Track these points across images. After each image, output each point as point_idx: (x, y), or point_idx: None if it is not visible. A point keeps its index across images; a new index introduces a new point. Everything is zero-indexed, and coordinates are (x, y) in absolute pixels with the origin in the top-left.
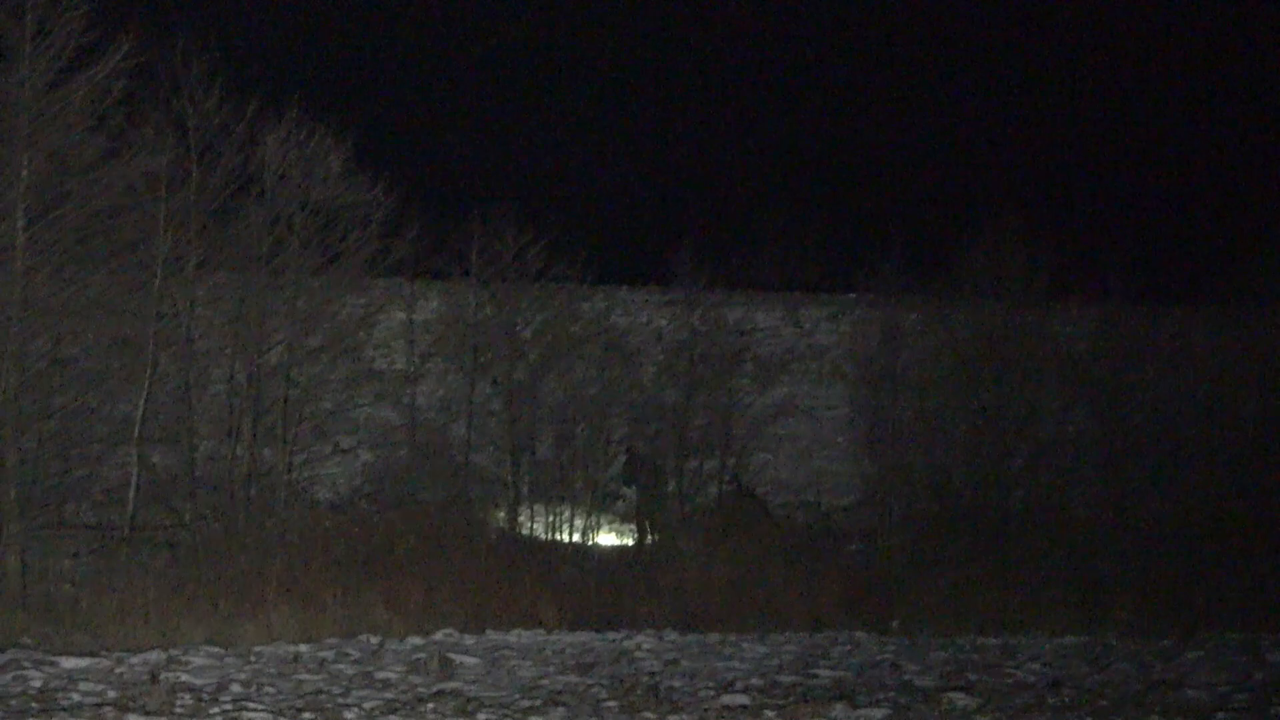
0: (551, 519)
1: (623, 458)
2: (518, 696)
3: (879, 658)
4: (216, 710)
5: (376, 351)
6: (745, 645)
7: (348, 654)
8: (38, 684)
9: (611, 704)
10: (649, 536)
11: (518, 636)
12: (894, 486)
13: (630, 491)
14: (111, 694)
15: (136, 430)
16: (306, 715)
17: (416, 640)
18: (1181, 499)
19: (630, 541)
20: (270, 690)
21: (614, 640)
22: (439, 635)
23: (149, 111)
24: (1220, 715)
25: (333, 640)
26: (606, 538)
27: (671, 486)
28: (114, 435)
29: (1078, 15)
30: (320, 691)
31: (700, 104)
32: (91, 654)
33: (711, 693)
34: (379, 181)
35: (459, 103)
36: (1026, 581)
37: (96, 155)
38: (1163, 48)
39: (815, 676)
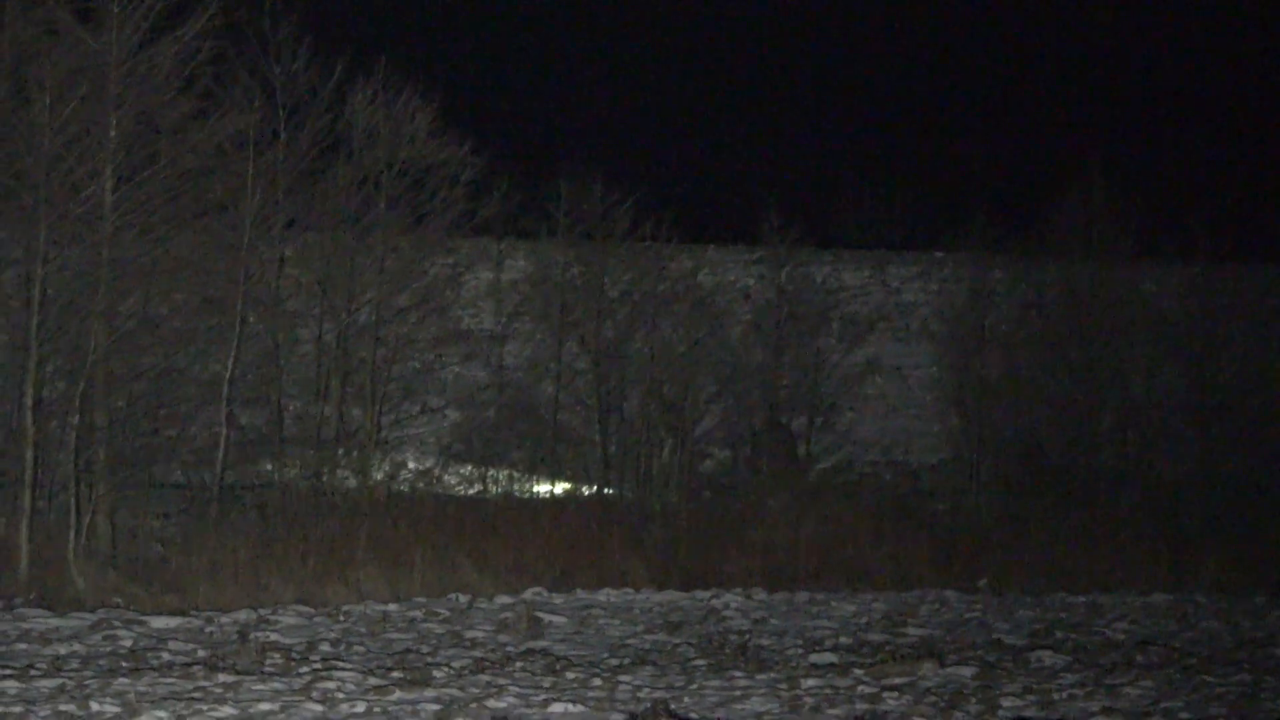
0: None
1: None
2: (606, 655)
3: (967, 616)
4: (306, 669)
5: (464, 311)
6: (834, 604)
7: (436, 613)
8: (128, 644)
9: (700, 663)
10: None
11: (606, 595)
12: (982, 445)
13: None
14: (201, 653)
15: (225, 390)
16: (396, 674)
17: (505, 599)
18: (1270, 457)
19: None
20: (359, 649)
21: (702, 599)
22: (527, 594)
23: (237, 72)
24: None
25: (421, 599)
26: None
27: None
28: (203, 395)
29: None
30: (409, 650)
31: (787, 62)
32: (181, 613)
33: (800, 651)
34: (466, 141)
35: (547, 61)
36: (1115, 540)
37: (185, 116)
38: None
39: (904, 635)
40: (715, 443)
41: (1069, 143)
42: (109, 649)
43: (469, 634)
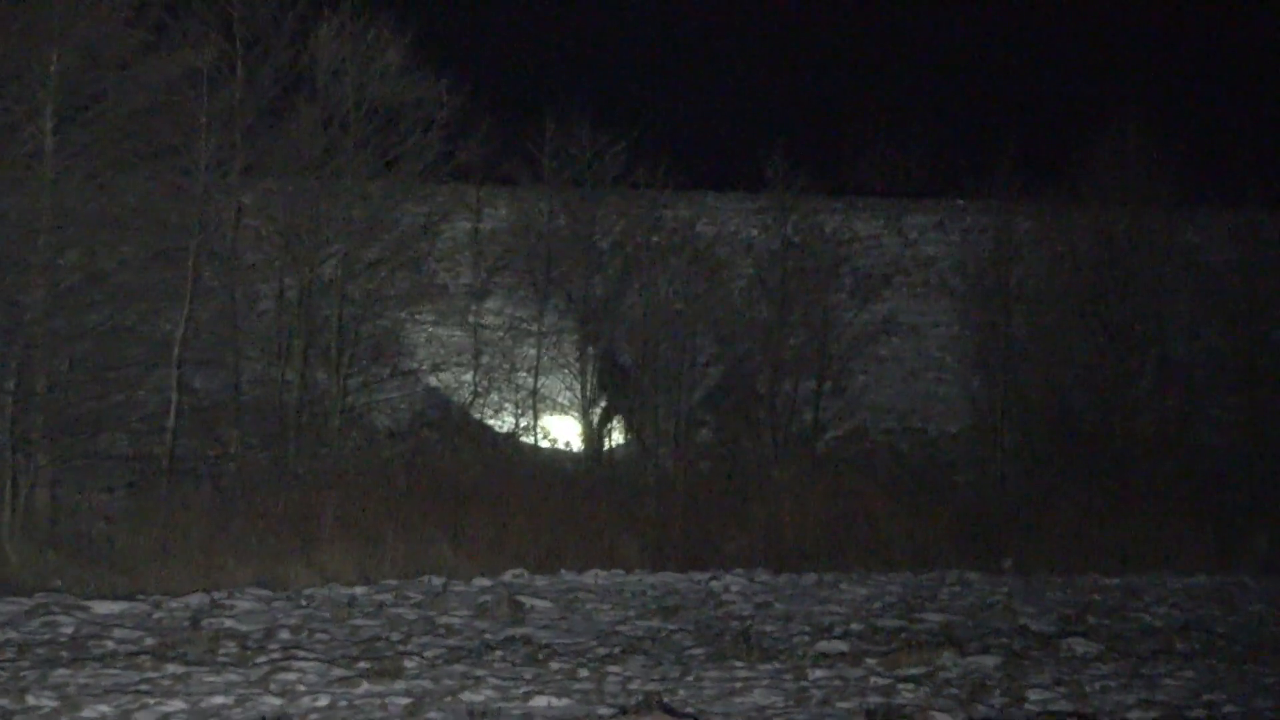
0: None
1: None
2: (594, 643)
3: (991, 600)
4: (264, 659)
5: (440, 265)
6: (844, 586)
7: (408, 597)
8: (69, 630)
9: (697, 651)
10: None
11: (594, 577)
12: (1007, 411)
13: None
14: (149, 641)
15: (177, 351)
16: (362, 664)
17: (484, 581)
18: None
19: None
20: (323, 637)
21: (700, 581)
22: (508, 576)
23: (191, 2)
24: None
25: (392, 582)
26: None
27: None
28: (152, 357)
29: None
30: (378, 638)
31: None
32: (128, 597)
33: (807, 639)
34: (442, 78)
35: None
36: (1153, 515)
37: (133, 50)
38: None
39: (921, 620)
40: (715, 409)
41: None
42: (47, 636)
43: (443, 620)
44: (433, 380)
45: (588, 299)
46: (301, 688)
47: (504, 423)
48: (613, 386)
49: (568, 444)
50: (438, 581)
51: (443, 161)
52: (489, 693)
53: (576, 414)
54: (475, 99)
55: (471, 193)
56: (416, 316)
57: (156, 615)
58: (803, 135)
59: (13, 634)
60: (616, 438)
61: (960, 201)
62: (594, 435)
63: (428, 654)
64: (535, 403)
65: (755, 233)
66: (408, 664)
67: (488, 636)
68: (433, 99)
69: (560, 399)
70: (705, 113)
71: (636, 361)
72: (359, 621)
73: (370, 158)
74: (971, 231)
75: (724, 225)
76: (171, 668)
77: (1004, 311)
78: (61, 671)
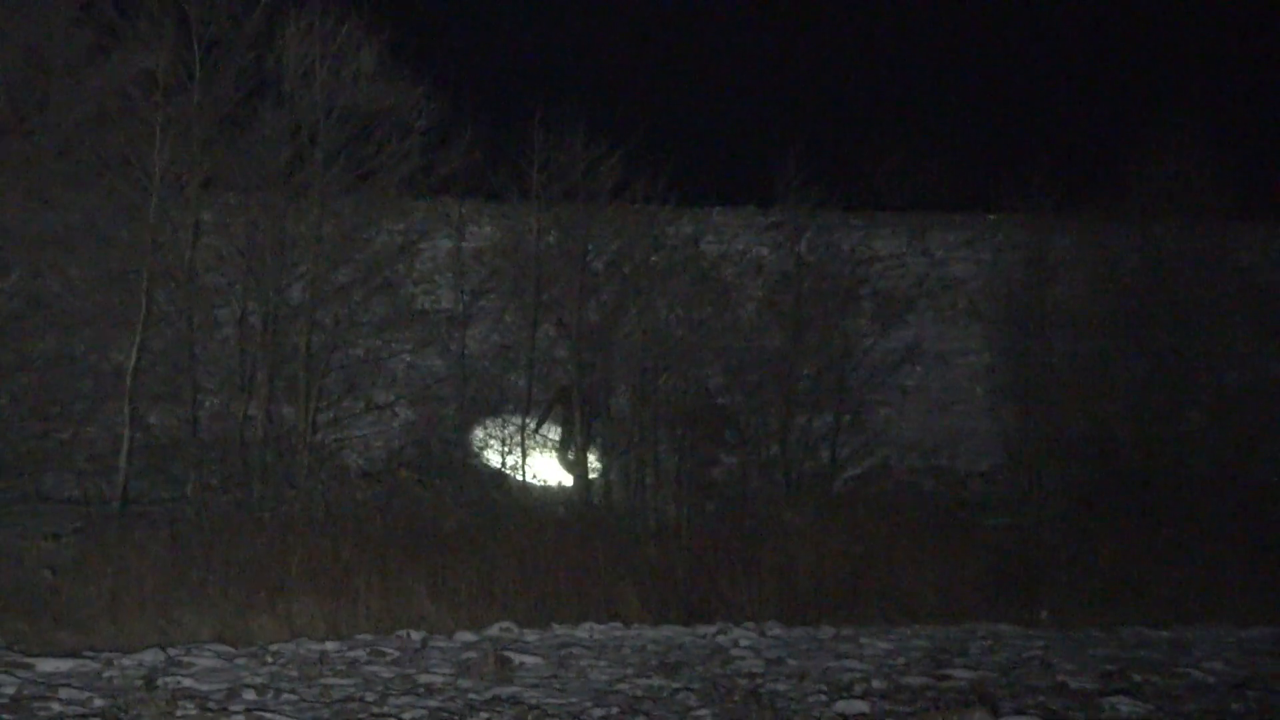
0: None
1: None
2: (589, 704)
3: (1026, 654)
4: None
5: (419, 288)
6: (864, 640)
7: (384, 653)
8: (10, 691)
9: (703, 713)
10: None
11: (589, 631)
12: (1044, 447)
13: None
14: (99, 702)
15: (129, 383)
16: None
17: (467, 636)
18: None
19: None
20: (290, 698)
21: (706, 635)
22: (494, 630)
23: (144, 0)
24: None
25: (366, 637)
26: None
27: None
28: (102, 390)
29: None
30: (351, 699)
31: None
32: (75, 654)
33: (824, 699)
34: (421, 83)
35: None
36: (1206, 561)
37: (80, 52)
38: None
39: (949, 678)
40: (722, 445)
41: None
42: None
43: (423, 679)
44: (410, 415)
45: (581, 325)
46: None
47: (489, 461)
48: (605, 419)
49: (560, 483)
50: (417, 636)
51: (421, 174)
52: None
53: (567, 451)
54: (457, 106)
55: (453, 208)
56: (393, 344)
57: (107, 674)
58: (817, 144)
59: None
60: (596, 472)
61: (991, 216)
62: (583, 473)
63: (406, 716)
64: (524, 438)
65: (766, 251)
66: None
67: (472, 697)
68: (410, 105)
69: (551, 434)
70: (710, 120)
71: (635, 393)
72: (330, 680)
73: (341, 171)
74: (1004, 249)
75: (731, 243)
76: None
77: (1040, 338)
78: None
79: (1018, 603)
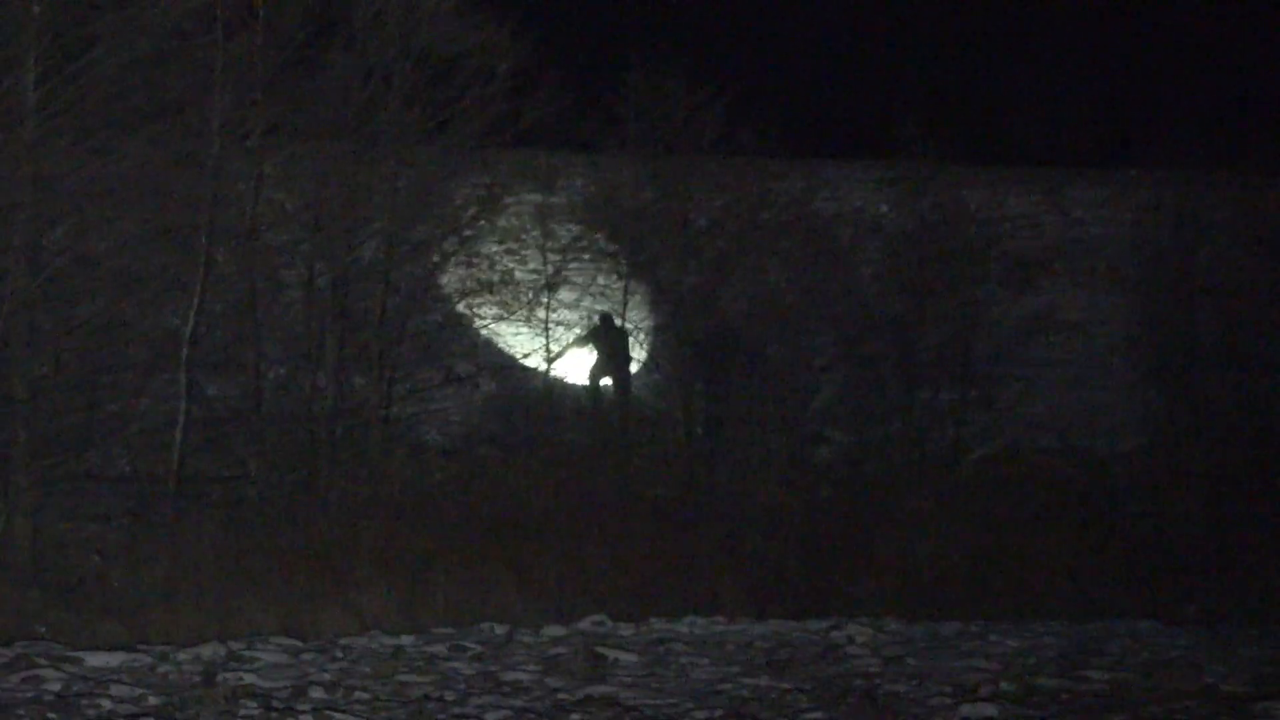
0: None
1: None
2: (690, 705)
3: (1170, 654)
4: None
5: (502, 247)
6: (993, 638)
7: (465, 648)
8: (56, 687)
9: (816, 716)
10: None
11: (690, 625)
12: (1191, 427)
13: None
14: (153, 700)
15: (185, 351)
16: None
17: (556, 630)
18: None
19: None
20: (363, 696)
21: (817, 631)
22: (586, 623)
23: None
24: None
25: (445, 630)
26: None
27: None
28: (155, 358)
29: None
30: (428, 698)
31: None
32: (126, 648)
33: (948, 701)
34: (506, 22)
35: None
36: None
37: None
38: None
39: (1085, 680)
40: (837, 422)
41: None
42: (30, 694)
43: (508, 676)
44: (493, 387)
45: (681, 289)
46: None
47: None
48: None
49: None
50: (500, 630)
51: (506, 123)
52: None
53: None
54: (545, 47)
55: (541, 160)
56: (474, 310)
57: (162, 669)
58: (942, 91)
59: None
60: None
61: (1134, 172)
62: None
63: (489, 717)
64: (623, 413)
65: (884, 210)
66: None
67: (562, 696)
68: (494, 47)
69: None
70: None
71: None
72: (406, 677)
73: (418, 118)
74: (1148, 209)
75: (846, 200)
76: None
77: (1188, 306)
78: None
79: (1161, 598)
